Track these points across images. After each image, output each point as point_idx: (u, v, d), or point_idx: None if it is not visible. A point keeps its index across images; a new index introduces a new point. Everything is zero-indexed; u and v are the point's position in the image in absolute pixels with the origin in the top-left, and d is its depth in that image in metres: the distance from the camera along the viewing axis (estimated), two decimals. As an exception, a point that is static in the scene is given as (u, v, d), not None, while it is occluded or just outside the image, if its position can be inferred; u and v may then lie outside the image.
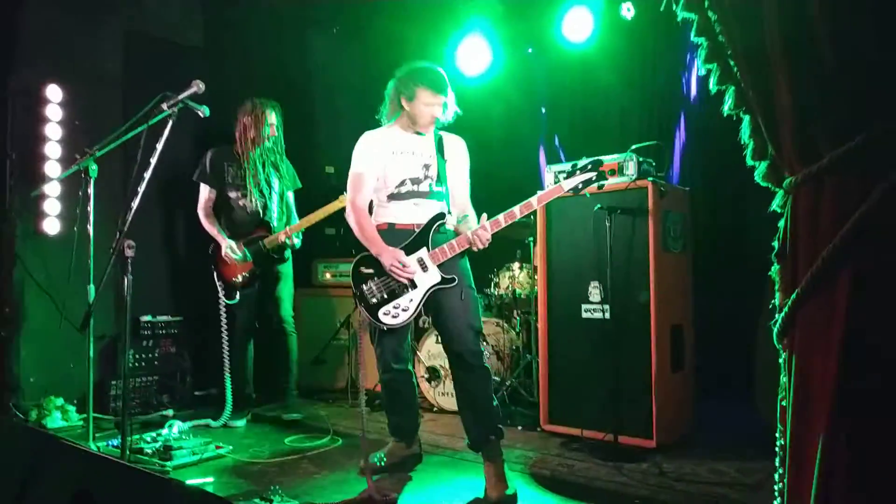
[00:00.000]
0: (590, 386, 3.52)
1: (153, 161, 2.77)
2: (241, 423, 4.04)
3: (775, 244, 1.31)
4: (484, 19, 5.36)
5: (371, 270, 2.87)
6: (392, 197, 2.97)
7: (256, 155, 4.07)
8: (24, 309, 4.11)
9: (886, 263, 1.08)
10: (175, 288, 4.88)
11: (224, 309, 4.06)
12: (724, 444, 3.42)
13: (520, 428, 3.86)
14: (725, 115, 1.35)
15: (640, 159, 3.51)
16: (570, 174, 2.88)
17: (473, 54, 5.43)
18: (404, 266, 2.78)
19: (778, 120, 1.19)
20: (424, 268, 2.82)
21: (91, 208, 3.24)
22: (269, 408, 4.37)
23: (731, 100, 1.31)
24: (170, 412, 4.26)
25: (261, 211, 4.08)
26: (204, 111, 3.10)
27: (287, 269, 4.22)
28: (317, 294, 5.24)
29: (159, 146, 2.80)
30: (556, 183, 2.95)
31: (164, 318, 4.59)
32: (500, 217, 2.78)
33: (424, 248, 2.83)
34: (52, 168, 4.20)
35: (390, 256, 2.80)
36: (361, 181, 2.97)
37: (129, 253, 2.62)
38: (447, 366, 4.19)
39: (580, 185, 2.85)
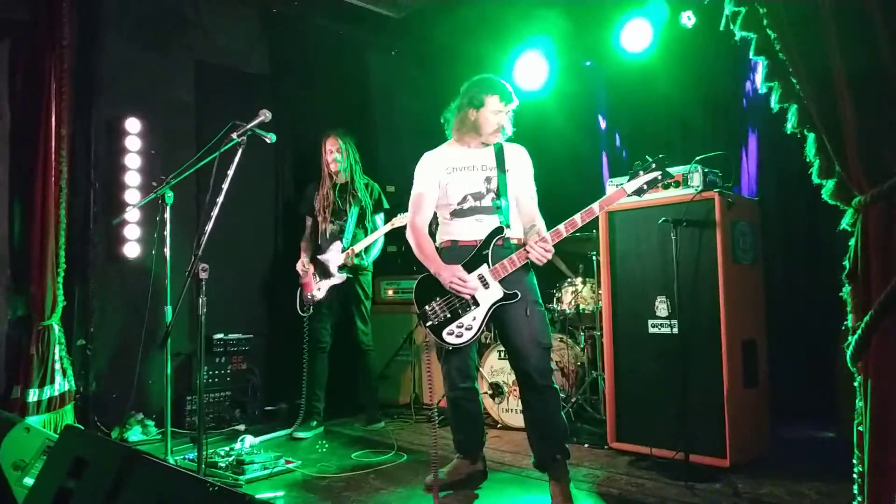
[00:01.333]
0: (659, 403, 3.43)
1: (225, 187, 2.89)
2: (307, 434, 4.18)
3: (846, 263, 1.26)
4: (541, 34, 5.36)
5: (433, 290, 2.85)
6: (455, 214, 2.98)
7: (329, 183, 4.45)
8: (106, 328, 4.35)
9: None
10: (245, 306, 5.06)
11: (306, 322, 4.36)
12: (802, 465, 3.26)
13: (586, 445, 3.79)
14: (789, 132, 1.31)
15: (706, 170, 3.42)
16: (632, 176, 2.78)
17: (531, 69, 5.43)
18: (465, 281, 2.77)
19: (844, 140, 1.16)
20: (486, 284, 2.79)
21: (167, 233, 3.42)
22: (338, 422, 4.47)
23: (794, 118, 1.28)
24: (242, 427, 4.39)
25: (337, 234, 4.40)
26: (271, 138, 3.22)
27: (360, 289, 4.44)
28: (380, 311, 5.31)
29: (230, 172, 2.91)
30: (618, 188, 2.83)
31: (236, 335, 4.76)
32: (561, 227, 2.72)
33: (485, 265, 2.80)
34: (132, 195, 4.45)
35: (449, 273, 2.79)
36: (421, 201, 3.00)
37: (204, 275, 2.74)
38: (510, 382, 4.20)
39: (644, 187, 2.75)
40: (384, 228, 4.38)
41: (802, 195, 4.39)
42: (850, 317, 1.26)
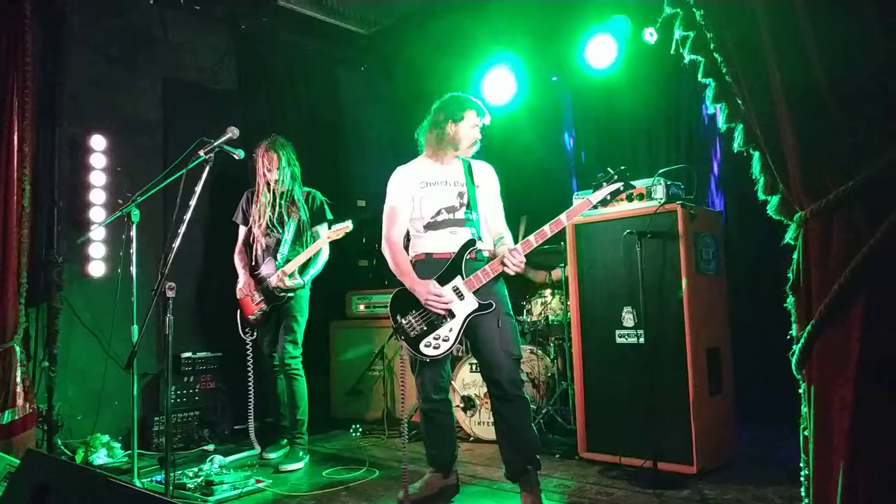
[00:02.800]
0: (627, 412, 3.48)
1: (192, 203, 2.88)
2: (276, 454, 4.07)
3: (790, 276, 1.32)
4: (508, 50, 5.44)
5: (409, 304, 2.88)
6: (428, 227, 3.02)
7: (265, 192, 4.06)
8: (70, 349, 4.26)
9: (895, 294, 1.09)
10: (214, 324, 5.00)
11: (249, 345, 4.10)
12: (768, 470, 3.34)
13: (557, 456, 3.82)
14: (735, 150, 1.37)
15: (669, 183, 3.51)
16: (596, 187, 2.86)
17: (499, 85, 5.50)
18: (439, 297, 2.81)
19: (785, 156, 1.22)
20: (461, 296, 2.83)
21: (133, 251, 3.38)
22: (309, 439, 4.41)
23: (740, 137, 1.34)
24: (210, 447, 4.33)
25: (273, 248, 4.05)
26: (239, 154, 3.24)
27: (293, 308, 4.01)
28: (351, 326, 5.31)
29: (198, 189, 2.90)
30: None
31: (204, 354, 4.69)
32: (531, 237, 2.78)
33: (459, 277, 2.85)
34: (97, 213, 4.38)
35: (424, 289, 2.83)
36: (395, 215, 3.04)
37: (171, 294, 2.71)
38: (482, 395, 4.22)
39: (608, 197, 2.83)
40: (317, 244, 3.98)
41: (762, 207, 4.51)
42: (794, 327, 1.32)
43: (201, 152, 2.94)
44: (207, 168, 2.95)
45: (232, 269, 4.21)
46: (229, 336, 4.86)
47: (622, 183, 2.84)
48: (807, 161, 1.18)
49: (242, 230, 4.24)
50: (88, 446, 4.05)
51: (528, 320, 4.57)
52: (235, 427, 4.81)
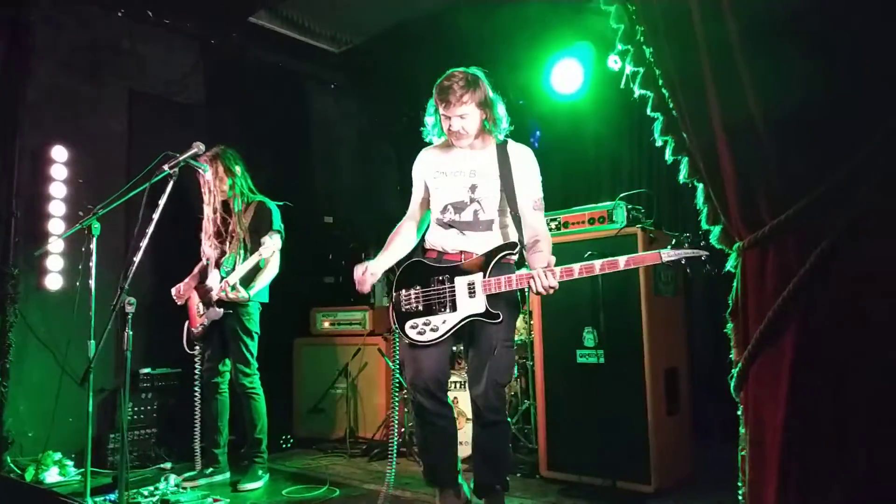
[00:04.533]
0: (587, 431, 3.52)
1: (155, 218, 2.85)
2: (221, 477, 3.91)
3: (730, 302, 1.39)
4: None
5: (415, 279, 2.67)
6: (438, 223, 2.79)
7: (212, 203, 3.91)
8: (23, 363, 4.15)
9: (823, 321, 1.15)
10: (174, 340, 4.91)
11: (197, 359, 3.97)
12: (723, 488, 3.39)
13: (518, 475, 3.84)
14: (681, 182, 1.45)
15: (629, 206, 3.60)
16: (676, 245, 2.47)
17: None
18: (362, 276, 2.67)
19: (725, 191, 1.29)
20: (472, 293, 2.58)
21: (93, 264, 3.32)
22: (270, 457, 4.35)
23: (685, 169, 1.41)
24: (167, 465, 4.24)
25: (217, 259, 3.92)
26: (204, 169, 3.23)
27: (237, 323, 3.83)
28: (315, 343, 5.28)
29: (161, 202, 2.88)
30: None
31: (163, 370, 4.61)
32: (576, 267, 2.47)
33: (480, 274, 2.59)
34: (56, 226, 4.31)
35: (363, 266, 2.69)
36: (413, 204, 2.91)
37: (130, 309, 2.68)
38: (456, 414, 4.16)
39: (682, 261, 2.43)
40: (252, 259, 3.68)
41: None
42: (732, 351, 1.38)
43: (166, 167, 2.92)
44: (172, 182, 2.93)
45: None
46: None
47: (706, 253, 2.38)
48: (744, 193, 1.25)
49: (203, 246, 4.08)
50: (39, 464, 3.93)
51: (492, 339, 4.60)
52: (193, 445, 4.71)
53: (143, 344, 4.47)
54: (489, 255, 2.62)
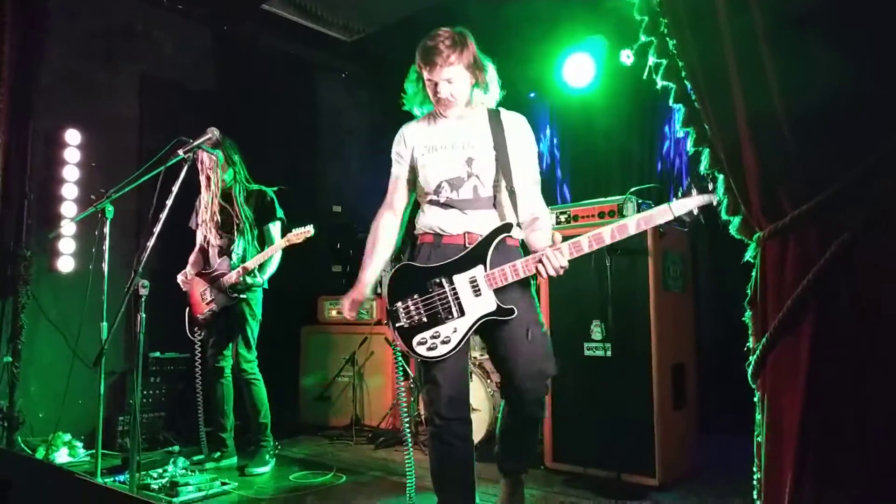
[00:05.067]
0: (593, 423, 3.54)
1: (169, 203, 2.87)
2: (228, 461, 3.95)
3: (748, 291, 1.40)
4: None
5: (411, 285, 2.33)
6: (433, 203, 2.44)
7: (212, 191, 3.92)
8: (35, 344, 4.20)
9: (842, 311, 1.17)
10: (182, 325, 4.95)
11: (199, 346, 4.01)
12: (728, 482, 3.42)
13: (523, 466, 3.86)
14: (702, 173, 1.46)
15: (640, 201, 3.60)
16: (684, 193, 2.20)
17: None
18: (349, 308, 2.49)
19: (747, 182, 1.30)
20: (477, 291, 2.28)
21: (106, 248, 3.35)
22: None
23: (706, 160, 1.42)
24: (176, 448, 4.28)
25: (226, 248, 3.93)
26: (217, 155, 3.24)
27: (248, 309, 3.90)
28: (322, 331, 5.31)
29: (175, 188, 2.89)
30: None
31: (173, 354, 4.65)
32: (583, 239, 2.19)
33: (481, 266, 2.28)
34: (69, 208, 4.34)
35: (349, 299, 2.51)
36: (393, 188, 2.55)
37: (143, 292, 2.70)
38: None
39: (695, 211, 2.17)
40: (279, 244, 3.82)
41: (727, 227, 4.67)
42: (750, 339, 1.40)
43: (180, 151, 2.93)
44: (186, 167, 2.94)
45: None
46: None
47: (714, 196, 2.07)
48: (765, 185, 1.26)
49: (199, 234, 4.11)
50: (49, 444, 3.98)
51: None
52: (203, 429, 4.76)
53: (152, 329, 4.49)
54: (483, 243, 2.31)
